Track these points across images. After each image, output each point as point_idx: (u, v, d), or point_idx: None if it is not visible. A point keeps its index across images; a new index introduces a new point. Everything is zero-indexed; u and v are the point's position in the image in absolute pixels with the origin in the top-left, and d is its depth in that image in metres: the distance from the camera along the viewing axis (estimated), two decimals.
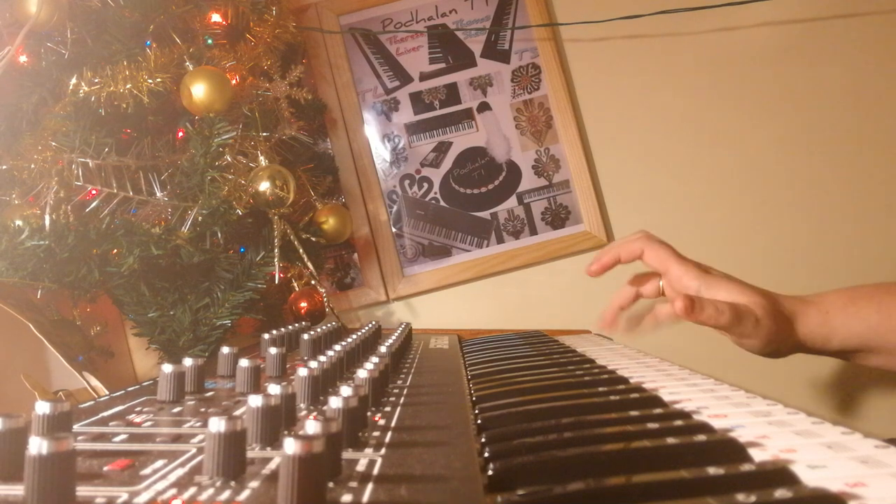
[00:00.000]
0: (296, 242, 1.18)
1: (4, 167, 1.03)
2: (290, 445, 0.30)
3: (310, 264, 1.21)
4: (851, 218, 1.61)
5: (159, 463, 0.39)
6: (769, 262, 1.59)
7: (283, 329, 0.89)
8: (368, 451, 0.42)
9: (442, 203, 1.64)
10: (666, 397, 0.57)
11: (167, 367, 0.58)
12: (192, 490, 0.34)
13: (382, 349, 0.70)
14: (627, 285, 0.94)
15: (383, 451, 0.42)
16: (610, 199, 1.64)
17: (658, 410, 0.53)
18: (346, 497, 0.34)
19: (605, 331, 0.96)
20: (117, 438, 0.46)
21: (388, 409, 0.54)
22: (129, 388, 0.66)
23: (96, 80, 1.02)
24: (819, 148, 1.64)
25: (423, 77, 1.66)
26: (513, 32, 1.66)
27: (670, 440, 0.43)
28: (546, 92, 1.64)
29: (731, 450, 0.41)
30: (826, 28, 1.65)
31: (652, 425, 0.47)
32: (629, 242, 0.90)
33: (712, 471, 0.37)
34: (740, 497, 0.33)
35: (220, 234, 1.06)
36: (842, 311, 0.83)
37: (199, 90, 1.08)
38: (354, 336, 0.80)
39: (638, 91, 1.66)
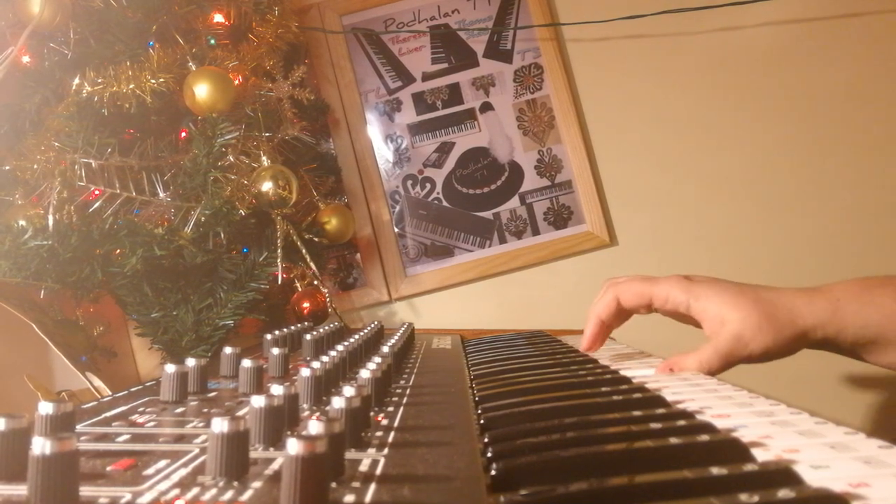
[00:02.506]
0: (298, 243, 1.18)
1: (7, 167, 1.03)
2: (293, 446, 0.30)
3: (312, 264, 1.21)
4: (855, 218, 1.61)
5: (162, 463, 0.39)
6: (772, 262, 1.59)
7: (285, 329, 0.89)
8: (371, 451, 0.42)
9: (444, 203, 1.64)
10: (669, 397, 0.57)
11: (170, 368, 0.58)
12: (195, 490, 0.34)
13: (385, 349, 0.70)
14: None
15: (386, 451, 0.42)
16: (612, 199, 1.64)
17: (661, 410, 0.53)
18: (349, 497, 0.34)
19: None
20: (120, 438, 0.46)
21: (390, 409, 0.54)
22: (132, 389, 0.66)
23: (99, 81, 1.02)
24: (822, 148, 1.63)
25: (426, 77, 1.66)
26: (515, 32, 1.66)
27: (673, 440, 0.43)
28: (548, 92, 1.64)
29: (734, 450, 0.41)
30: (829, 28, 1.65)
31: (655, 425, 0.47)
32: (599, 301, 0.87)
33: (715, 471, 0.37)
34: (743, 497, 0.33)
35: (222, 235, 1.07)
36: (855, 299, 0.79)
37: (201, 90, 1.08)
38: (357, 336, 0.80)
39: (640, 91, 1.66)
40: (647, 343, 0.96)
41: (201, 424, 0.50)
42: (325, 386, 0.56)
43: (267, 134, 1.19)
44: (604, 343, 0.89)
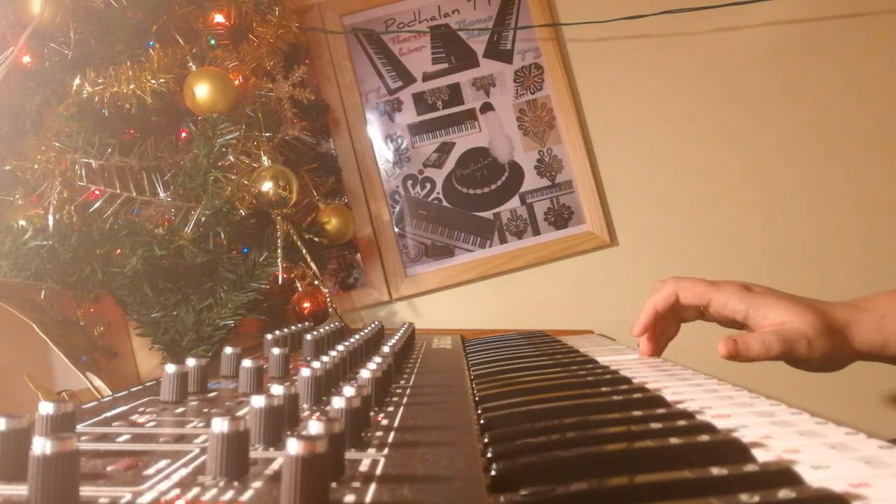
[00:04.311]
0: (299, 243, 1.18)
1: (8, 168, 1.03)
2: (293, 446, 0.30)
3: (313, 264, 1.21)
4: (856, 217, 1.61)
5: (162, 463, 0.39)
6: (773, 261, 1.58)
7: (286, 329, 0.89)
8: (371, 451, 0.42)
9: (444, 203, 1.64)
10: (669, 397, 0.57)
11: (170, 368, 0.58)
12: (195, 490, 0.35)
13: (385, 349, 0.70)
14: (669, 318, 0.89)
15: (386, 451, 0.42)
16: (613, 199, 1.64)
17: (661, 410, 0.52)
18: (349, 497, 0.34)
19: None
20: (121, 439, 0.46)
21: (390, 409, 0.54)
22: (133, 389, 0.66)
23: (99, 81, 1.02)
24: (823, 148, 1.63)
25: (426, 77, 1.66)
26: (515, 32, 1.66)
27: (673, 440, 0.43)
28: (549, 92, 1.64)
29: (734, 450, 0.41)
30: (830, 27, 1.65)
31: (655, 425, 0.47)
32: (659, 291, 0.87)
33: (716, 471, 0.37)
34: (744, 497, 0.33)
35: (223, 235, 1.07)
36: None
37: (202, 90, 1.08)
38: (357, 336, 0.80)
39: (641, 91, 1.66)
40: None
41: (201, 424, 0.50)
42: (325, 386, 0.56)
43: (267, 134, 1.19)
44: (656, 341, 0.87)
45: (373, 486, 0.35)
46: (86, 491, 0.34)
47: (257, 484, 0.35)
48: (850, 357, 0.81)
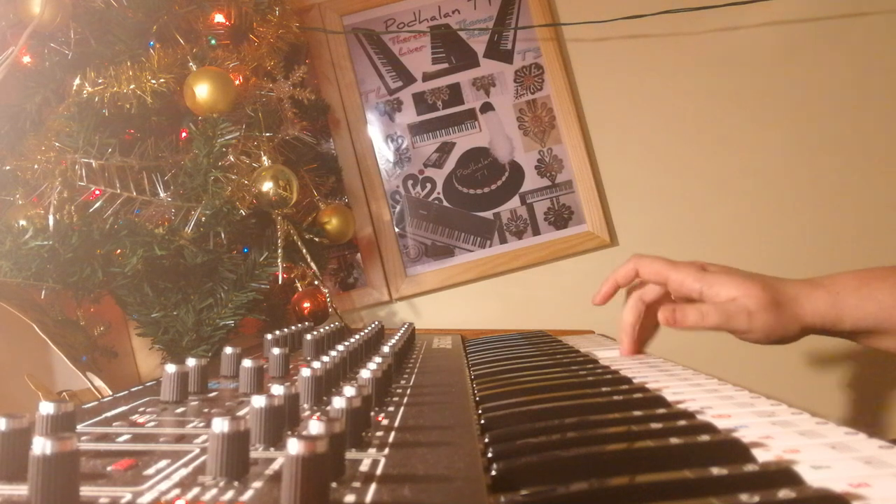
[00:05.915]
0: (299, 243, 1.18)
1: (8, 167, 1.03)
2: (294, 446, 0.30)
3: (313, 264, 1.21)
4: (856, 218, 1.61)
5: (163, 463, 0.39)
6: (772, 262, 1.58)
7: (286, 329, 0.89)
8: (372, 451, 0.42)
9: (445, 203, 1.64)
10: (669, 397, 0.57)
11: (170, 368, 0.58)
12: (195, 490, 0.35)
13: (385, 349, 0.70)
14: (634, 301, 0.94)
15: (386, 451, 0.42)
16: (613, 199, 1.64)
17: (661, 410, 0.53)
18: (350, 497, 0.34)
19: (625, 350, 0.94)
20: (121, 439, 0.46)
21: (391, 409, 0.54)
22: (133, 389, 0.66)
23: (100, 81, 1.02)
24: (823, 148, 1.63)
25: (426, 77, 1.66)
26: (515, 32, 1.66)
27: (674, 440, 0.43)
28: (549, 92, 1.64)
29: (734, 450, 0.41)
30: (830, 27, 1.65)
31: (655, 425, 0.47)
32: (622, 267, 0.94)
33: (716, 471, 0.37)
34: (744, 497, 0.33)
35: (223, 235, 1.06)
36: (854, 293, 0.83)
37: (202, 90, 1.08)
38: (357, 336, 0.80)
39: (641, 91, 1.66)
40: (650, 345, 0.97)
41: (202, 424, 0.50)
42: (325, 386, 0.56)
43: (267, 134, 1.19)
44: (636, 341, 0.92)
45: (373, 486, 0.35)
46: (86, 491, 0.34)
47: (257, 484, 0.35)
48: (799, 330, 0.85)
